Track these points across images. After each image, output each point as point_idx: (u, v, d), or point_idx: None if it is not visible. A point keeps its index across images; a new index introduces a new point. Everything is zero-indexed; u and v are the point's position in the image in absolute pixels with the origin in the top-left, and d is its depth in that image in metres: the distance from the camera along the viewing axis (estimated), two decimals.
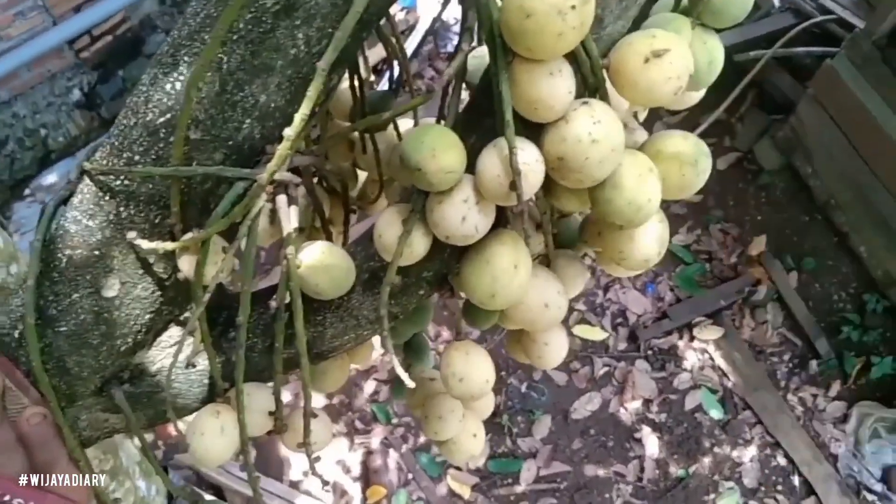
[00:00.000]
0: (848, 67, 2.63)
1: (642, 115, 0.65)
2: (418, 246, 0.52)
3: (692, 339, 2.79)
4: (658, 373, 2.74)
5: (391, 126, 0.72)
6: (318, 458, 0.59)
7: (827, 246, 2.92)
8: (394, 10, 3.39)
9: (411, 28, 3.37)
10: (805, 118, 2.87)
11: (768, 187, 3.07)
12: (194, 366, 0.60)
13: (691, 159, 0.52)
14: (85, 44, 3.00)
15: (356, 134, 0.70)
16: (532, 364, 0.66)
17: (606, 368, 2.75)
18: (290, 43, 0.49)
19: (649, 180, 0.49)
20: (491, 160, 0.48)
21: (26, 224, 2.87)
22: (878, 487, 2.47)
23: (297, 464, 2.55)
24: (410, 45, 3.36)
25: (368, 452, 2.61)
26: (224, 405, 0.58)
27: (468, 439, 0.68)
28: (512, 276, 0.52)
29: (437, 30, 3.49)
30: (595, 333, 2.81)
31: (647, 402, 2.69)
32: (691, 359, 2.77)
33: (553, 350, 0.63)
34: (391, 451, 2.61)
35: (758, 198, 3.07)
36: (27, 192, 2.99)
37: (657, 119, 3.17)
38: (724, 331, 2.78)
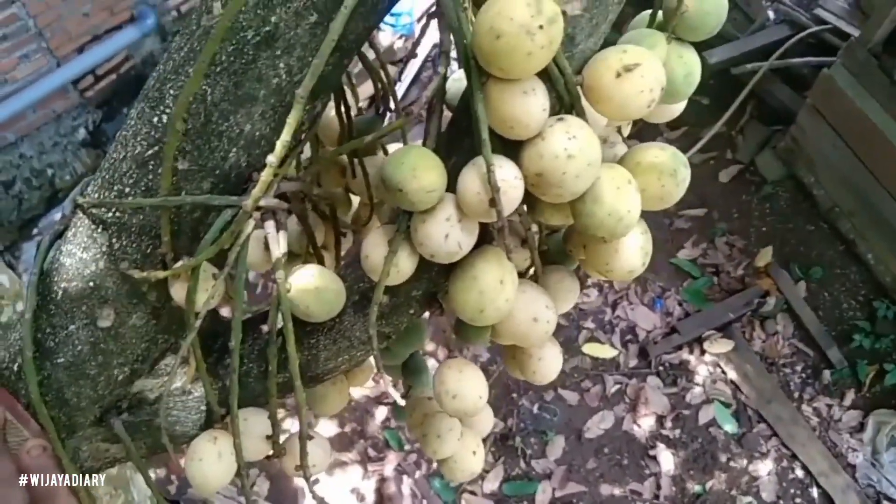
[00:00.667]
0: (845, 76, 2.64)
1: (626, 130, 0.66)
2: (405, 265, 0.53)
3: (703, 353, 2.78)
4: (670, 388, 2.73)
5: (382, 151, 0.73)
6: (316, 481, 0.59)
7: (834, 254, 2.91)
8: (392, 38, 3.42)
9: (411, 55, 3.41)
10: (805, 128, 2.88)
11: (772, 198, 3.07)
12: (191, 393, 0.60)
13: (670, 169, 0.52)
14: (89, 83, 3.05)
15: (347, 159, 0.72)
16: (528, 380, 0.66)
17: (618, 386, 2.74)
18: (271, 73, 0.50)
19: (628, 192, 0.50)
20: (470, 178, 0.49)
21: None
22: None
23: (307, 499, 2.54)
24: (410, 72, 3.40)
25: (382, 479, 2.59)
26: (221, 431, 0.59)
27: (468, 457, 0.69)
28: (499, 291, 0.53)
29: (436, 56, 3.53)
30: (605, 351, 2.80)
31: (661, 419, 2.67)
32: (703, 373, 2.75)
33: (547, 365, 0.64)
34: (405, 477, 2.59)
35: (762, 209, 3.07)
36: (35, 231, 3.03)
37: (658, 135, 3.19)
38: (735, 343, 2.77)
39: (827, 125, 2.76)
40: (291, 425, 2.43)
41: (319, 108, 0.56)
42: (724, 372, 2.75)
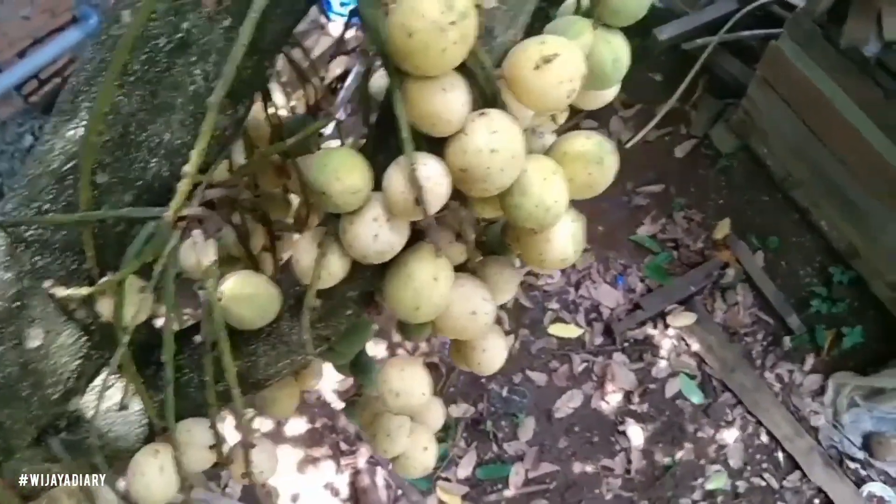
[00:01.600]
0: (792, 47, 2.67)
1: (561, 118, 0.66)
2: (335, 268, 0.52)
3: (666, 327, 2.82)
4: (636, 364, 2.76)
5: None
6: (264, 485, 0.59)
7: (789, 223, 2.96)
8: (340, 28, 3.38)
9: (338, 52, 3.37)
10: (756, 100, 2.92)
11: (727, 170, 3.11)
12: (130, 407, 0.60)
13: (596, 158, 0.53)
14: (33, 88, 2.97)
15: (282, 159, 0.71)
16: (474, 371, 0.66)
17: (585, 364, 2.77)
18: (188, 80, 0.49)
19: (554, 182, 0.50)
20: (396, 177, 0.48)
21: None
22: (860, 455, 2.50)
23: (282, 498, 2.53)
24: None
25: (356, 472, 2.59)
26: (163, 444, 0.58)
27: (419, 453, 0.69)
28: (433, 287, 0.53)
29: None
30: (570, 331, 2.82)
31: (628, 394, 2.70)
32: (667, 347, 2.79)
33: (491, 356, 0.64)
34: (378, 468, 2.59)
35: (718, 182, 3.11)
36: None
37: (613, 113, 3.21)
38: (697, 316, 2.81)
39: (777, 96, 2.80)
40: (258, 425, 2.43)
41: (242, 112, 0.55)
42: (687, 344, 2.79)
